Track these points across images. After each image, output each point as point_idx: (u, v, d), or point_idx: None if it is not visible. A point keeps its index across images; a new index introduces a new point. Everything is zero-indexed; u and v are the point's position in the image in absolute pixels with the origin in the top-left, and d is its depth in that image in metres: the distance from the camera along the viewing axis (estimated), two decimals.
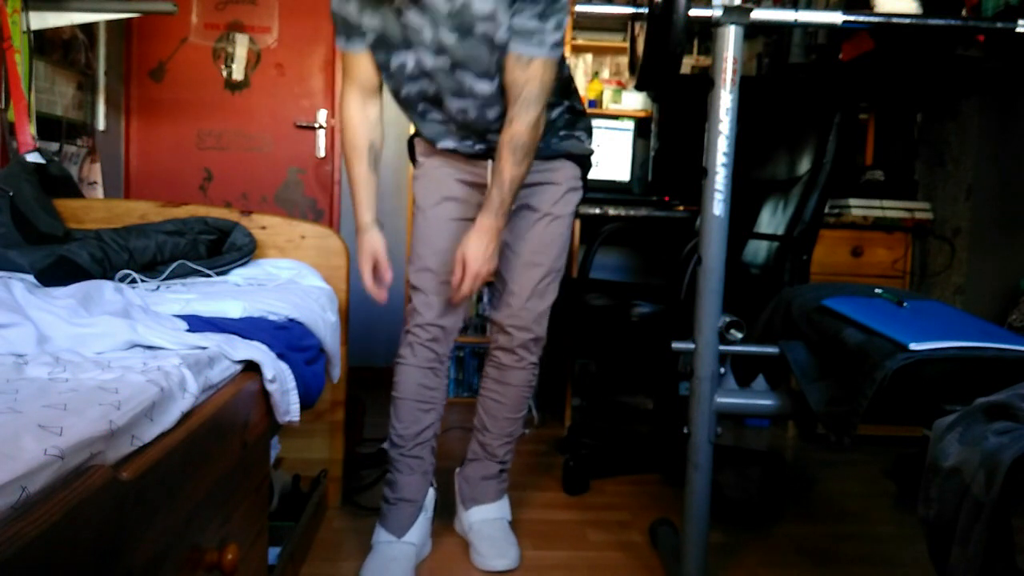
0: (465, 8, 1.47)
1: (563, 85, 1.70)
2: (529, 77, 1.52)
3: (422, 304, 1.76)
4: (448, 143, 1.71)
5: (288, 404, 1.39)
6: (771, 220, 2.25)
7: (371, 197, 1.71)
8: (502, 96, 1.60)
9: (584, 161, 1.82)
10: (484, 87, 1.58)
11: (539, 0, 1.46)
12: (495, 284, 1.83)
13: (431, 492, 1.85)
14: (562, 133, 1.76)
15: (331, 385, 1.94)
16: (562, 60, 1.66)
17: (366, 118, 1.69)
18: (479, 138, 1.68)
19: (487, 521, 1.85)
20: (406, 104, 1.69)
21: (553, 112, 1.71)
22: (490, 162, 1.70)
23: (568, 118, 1.77)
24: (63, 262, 1.66)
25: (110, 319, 1.20)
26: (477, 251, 1.60)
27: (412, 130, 1.84)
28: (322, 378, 1.65)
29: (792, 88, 2.84)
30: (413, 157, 1.85)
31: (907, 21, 1.56)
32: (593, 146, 1.85)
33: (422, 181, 1.79)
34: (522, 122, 1.55)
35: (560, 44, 1.53)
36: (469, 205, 1.75)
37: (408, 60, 1.58)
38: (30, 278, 1.58)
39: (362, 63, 1.63)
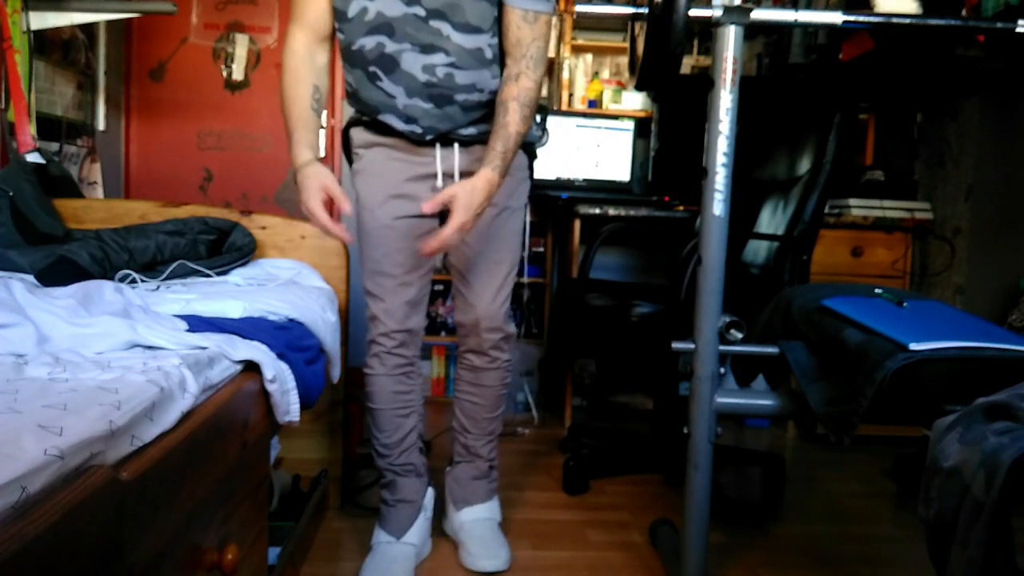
0: None
1: None
2: (536, 35, 1.48)
3: (382, 312, 1.68)
4: (390, 118, 1.55)
5: (288, 404, 1.39)
6: (771, 220, 2.25)
7: (311, 134, 1.53)
8: (478, 61, 1.50)
9: (531, 149, 1.74)
10: (463, 41, 1.47)
11: None
12: (456, 285, 1.76)
13: (430, 492, 1.84)
14: None
15: (331, 385, 1.94)
16: None
17: (312, 62, 1.54)
18: (431, 113, 1.53)
19: (477, 521, 1.84)
20: (357, 60, 1.52)
21: None
22: (438, 148, 1.59)
23: None
24: (63, 262, 1.66)
25: (110, 319, 1.20)
26: (470, 200, 1.42)
27: (345, 121, 1.70)
28: (322, 378, 1.65)
29: (792, 88, 2.84)
30: (348, 151, 1.71)
31: (907, 21, 1.56)
32: (541, 132, 1.76)
33: (364, 177, 1.65)
34: (531, 79, 1.49)
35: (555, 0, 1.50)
36: (419, 202, 1.55)
37: (369, 7, 1.45)
38: (30, 278, 1.58)
39: (316, 3, 1.50)
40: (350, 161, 1.72)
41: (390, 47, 1.48)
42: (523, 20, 1.47)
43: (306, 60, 1.54)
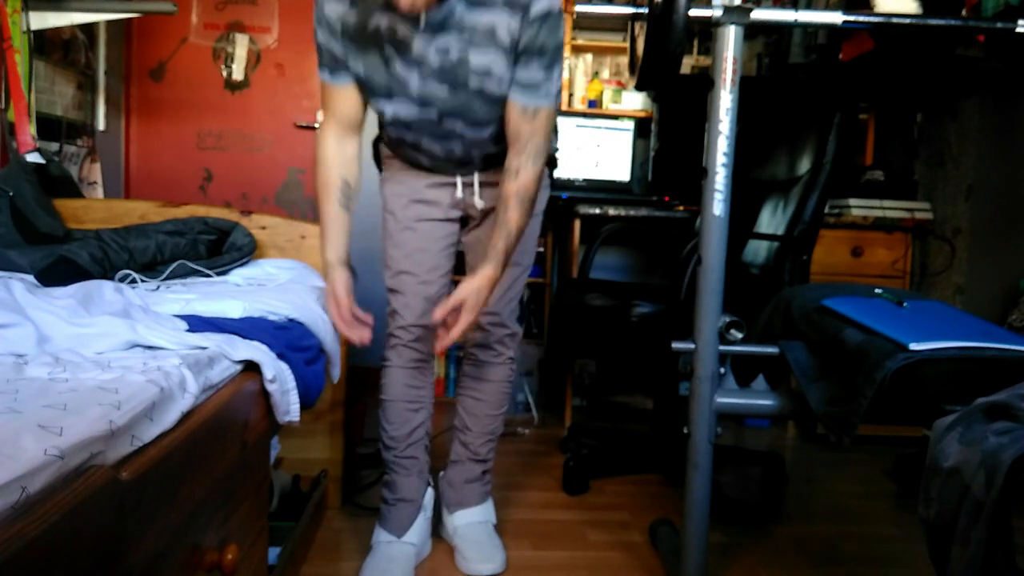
0: (461, 63, 1.46)
1: None
2: (535, 129, 1.52)
3: (402, 306, 1.74)
4: (421, 165, 1.71)
5: (288, 404, 1.39)
6: (771, 220, 2.25)
7: (340, 235, 1.61)
8: (493, 140, 1.60)
9: (551, 160, 1.80)
10: (475, 134, 1.57)
11: (546, 52, 1.45)
12: None
13: (429, 491, 1.85)
14: None
15: (331, 385, 1.94)
16: None
17: (342, 155, 1.62)
18: (455, 168, 1.68)
19: (472, 525, 1.84)
20: (385, 134, 1.69)
21: None
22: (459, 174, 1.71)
23: None
24: (63, 262, 1.66)
25: (110, 319, 1.20)
26: (477, 301, 1.53)
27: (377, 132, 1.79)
28: (322, 378, 1.65)
29: (792, 88, 2.84)
30: (378, 160, 1.81)
31: (907, 21, 1.56)
32: (558, 143, 1.83)
33: (390, 184, 1.75)
34: (529, 174, 1.54)
35: (559, 93, 1.54)
36: (440, 207, 1.72)
37: (387, 108, 1.55)
38: (30, 278, 1.59)
39: (345, 97, 1.58)
40: (380, 168, 1.80)
41: (410, 137, 1.61)
42: (522, 116, 1.51)
43: (336, 153, 1.62)
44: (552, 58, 1.47)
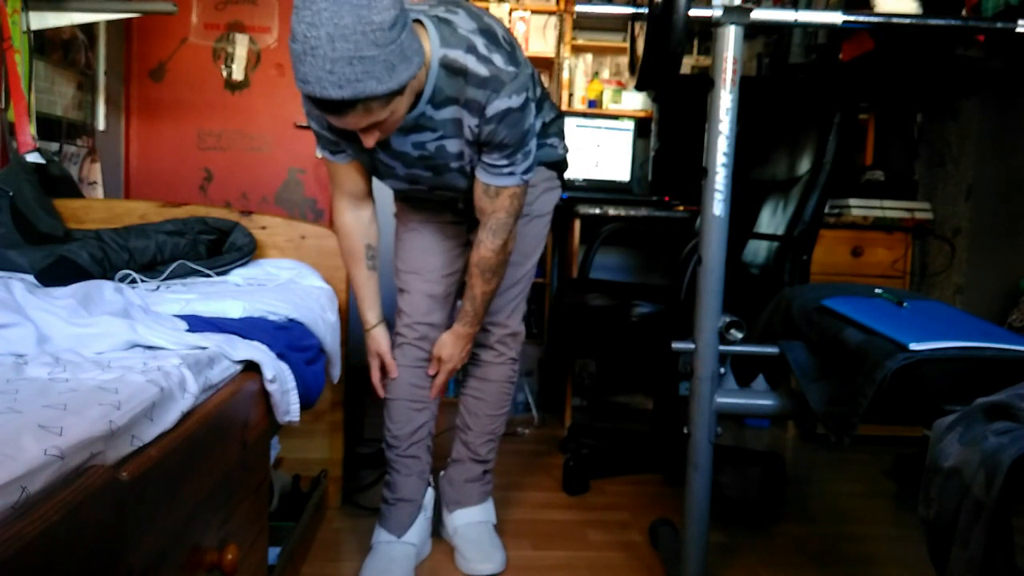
0: (439, 151, 1.50)
1: (536, 100, 1.68)
2: (497, 207, 1.55)
3: (408, 304, 1.77)
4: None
5: (288, 404, 1.39)
6: (771, 220, 2.25)
7: (373, 297, 1.74)
8: None
9: (560, 167, 1.83)
10: (464, 195, 1.64)
11: (507, 146, 1.48)
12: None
13: (429, 491, 1.85)
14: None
15: (331, 385, 1.94)
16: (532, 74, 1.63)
17: (360, 222, 1.70)
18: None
19: (471, 524, 1.84)
20: None
21: None
22: None
23: (539, 127, 1.76)
24: (63, 262, 1.66)
25: (110, 319, 1.20)
26: (453, 353, 1.72)
27: None
28: (322, 378, 1.65)
29: (792, 88, 2.84)
30: None
31: (907, 21, 1.56)
32: (566, 144, 1.85)
33: None
34: (489, 248, 1.59)
35: (530, 168, 1.56)
36: (446, 212, 1.77)
37: (383, 182, 1.65)
38: (30, 278, 1.59)
39: (349, 173, 1.64)
40: None
41: (407, 195, 1.73)
42: (485, 193, 1.55)
43: (355, 222, 1.70)
44: (515, 148, 1.49)
